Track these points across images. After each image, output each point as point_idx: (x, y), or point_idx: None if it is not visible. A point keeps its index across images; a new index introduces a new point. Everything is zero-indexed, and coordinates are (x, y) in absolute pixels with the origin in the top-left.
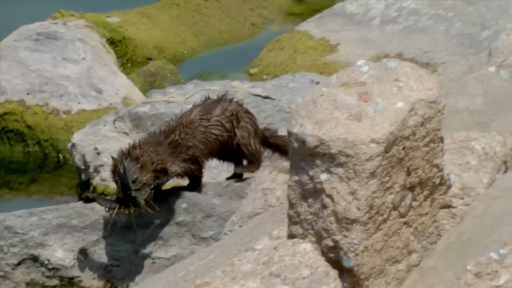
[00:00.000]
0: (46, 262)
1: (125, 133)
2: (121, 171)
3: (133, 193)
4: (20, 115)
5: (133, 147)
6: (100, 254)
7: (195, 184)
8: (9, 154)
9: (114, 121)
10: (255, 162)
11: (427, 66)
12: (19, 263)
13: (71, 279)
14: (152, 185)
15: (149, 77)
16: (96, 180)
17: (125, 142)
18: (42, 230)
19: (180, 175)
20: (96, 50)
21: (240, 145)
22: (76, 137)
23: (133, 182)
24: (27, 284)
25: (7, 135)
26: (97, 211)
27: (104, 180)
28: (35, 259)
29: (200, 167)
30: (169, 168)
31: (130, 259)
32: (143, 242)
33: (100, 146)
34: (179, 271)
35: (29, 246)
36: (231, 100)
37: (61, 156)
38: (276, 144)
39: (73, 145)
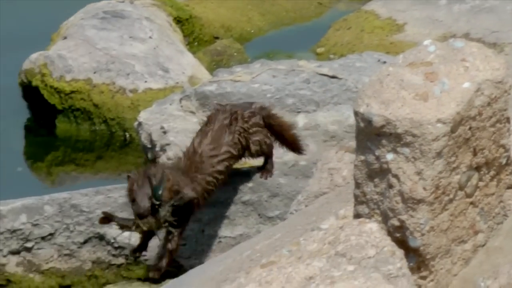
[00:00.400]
0: (112, 240)
1: (192, 112)
2: (149, 184)
3: (161, 208)
4: (87, 94)
5: (151, 168)
6: None
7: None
8: (76, 133)
9: (181, 100)
10: (269, 164)
11: (494, 46)
12: (85, 242)
13: (137, 257)
14: (171, 204)
15: (216, 56)
16: (162, 159)
17: (191, 121)
18: (108, 208)
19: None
20: (162, 28)
21: (255, 155)
22: (143, 116)
23: (157, 197)
24: (93, 262)
25: (73, 114)
26: None
27: (171, 159)
28: (101, 237)
29: (214, 191)
30: (183, 191)
31: (196, 238)
32: (210, 221)
33: (166, 125)
34: (245, 250)
35: (95, 224)
36: (236, 116)
37: (127, 134)
38: (269, 125)
39: (140, 123)
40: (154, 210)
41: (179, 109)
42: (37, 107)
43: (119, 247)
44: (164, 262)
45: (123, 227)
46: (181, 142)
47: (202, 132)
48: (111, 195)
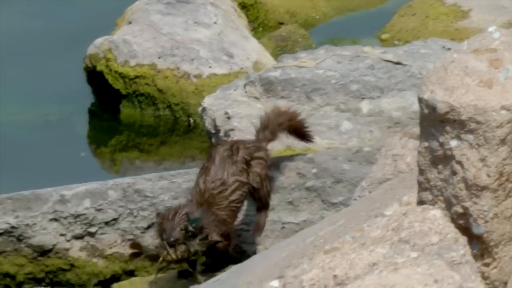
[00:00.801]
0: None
1: (256, 98)
2: (186, 217)
3: (192, 239)
4: (151, 79)
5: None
6: None
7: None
8: (140, 118)
9: (245, 85)
10: (264, 207)
11: None
12: (149, 227)
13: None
14: (201, 239)
15: (281, 41)
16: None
17: (255, 107)
18: (172, 193)
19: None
20: (227, 14)
21: (253, 192)
22: (207, 101)
23: (193, 227)
24: (156, 247)
25: (138, 99)
26: None
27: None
28: None
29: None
30: (210, 235)
31: None
32: (273, 206)
33: (230, 110)
34: (308, 236)
35: (159, 209)
36: (237, 146)
37: (191, 120)
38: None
39: (204, 109)
40: (184, 242)
41: (243, 95)
42: (101, 92)
43: None
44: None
45: (153, 258)
46: (245, 127)
47: (204, 170)
48: (175, 180)
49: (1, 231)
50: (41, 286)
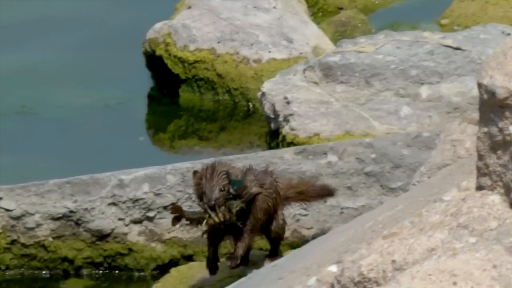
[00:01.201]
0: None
1: (315, 83)
2: (227, 177)
3: (234, 201)
4: (210, 64)
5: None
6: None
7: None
8: (199, 103)
9: (304, 70)
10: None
11: None
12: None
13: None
14: (243, 200)
15: (340, 26)
16: (285, 130)
17: (315, 92)
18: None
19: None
20: None
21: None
22: (266, 86)
23: (236, 189)
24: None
25: (197, 83)
26: (286, 160)
27: (294, 129)
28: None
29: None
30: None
31: (318, 209)
32: None
33: (290, 95)
34: (366, 222)
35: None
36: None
37: (250, 105)
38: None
39: (263, 94)
40: (224, 203)
41: (302, 80)
42: (160, 76)
43: None
44: (240, 250)
45: (193, 221)
46: (304, 112)
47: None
48: (234, 165)
49: (60, 215)
50: (99, 270)
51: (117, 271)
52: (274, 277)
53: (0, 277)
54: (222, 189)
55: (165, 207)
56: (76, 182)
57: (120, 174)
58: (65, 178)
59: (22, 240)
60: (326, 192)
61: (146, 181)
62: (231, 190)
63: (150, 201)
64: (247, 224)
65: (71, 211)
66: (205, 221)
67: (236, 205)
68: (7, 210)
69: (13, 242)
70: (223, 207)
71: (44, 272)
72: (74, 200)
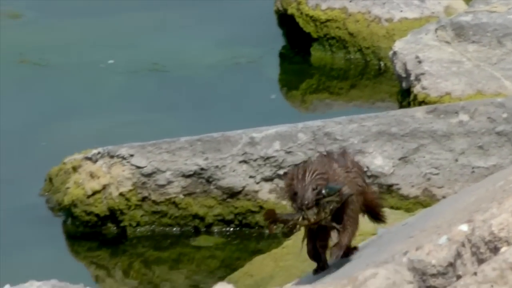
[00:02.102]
0: (365, 169)
1: (447, 42)
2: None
3: (327, 199)
4: (342, 22)
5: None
6: (419, 162)
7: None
8: (331, 61)
9: (436, 30)
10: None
11: None
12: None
13: (389, 186)
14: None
15: None
16: (416, 89)
17: (446, 51)
18: (361, 137)
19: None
20: None
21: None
22: (398, 45)
23: (330, 189)
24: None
25: (328, 42)
26: (417, 119)
27: (425, 88)
28: None
29: None
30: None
31: (449, 168)
32: (463, 151)
33: (421, 54)
34: (498, 181)
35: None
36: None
37: (382, 63)
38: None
39: (395, 53)
40: (317, 202)
41: (434, 39)
42: (292, 35)
43: (372, 175)
44: (345, 239)
45: (288, 223)
46: (436, 71)
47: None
48: (365, 123)
49: (191, 172)
50: (230, 227)
51: (247, 229)
52: (405, 236)
53: (131, 234)
54: (315, 188)
55: (296, 165)
56: (207, 140)
57: (251, 132)
58: (196, 136)
59: (153, 197)
60: (377, 214)
61: (277, 139)
62: (324, 192)
63: (281, 159)
64: (346, 220)
65: (202, 169)
66: (299, 221)
67: (330, 204)
68: (138, 167)
69: (144, 199)
70: (316, 208)
71: (174, 229)
72: (205, 157)
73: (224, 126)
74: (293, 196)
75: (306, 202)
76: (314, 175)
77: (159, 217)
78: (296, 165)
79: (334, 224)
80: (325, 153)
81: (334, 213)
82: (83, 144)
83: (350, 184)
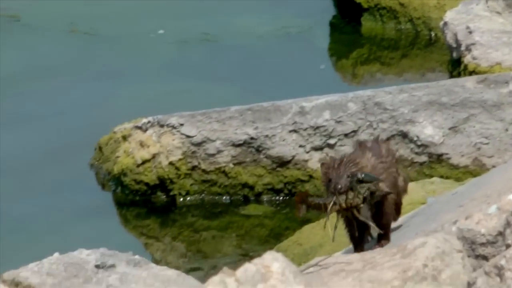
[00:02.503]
0: (415, 138)
1: (498, 13)
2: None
3: (361, 186)
4: None
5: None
6: (469, 131)
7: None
8: (381, 31)
9: (487, 0)
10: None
11: None
12: (388, 139)
13: (439, 156)
14: (370, 189)
15: None
16: (467, 59)
17: (497, 22)
18: (412, 107)
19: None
20: None
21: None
22: (449, 16)
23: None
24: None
25: (379, 12)
26: (467, 89)
27: (476, 58)
28: (404, 135)
29: None
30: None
31: (499, 137)
32: None
33: (472, 25)
34: None
35: (399, 122)
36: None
37: (432, 34)
38: None
39: (445, 23)
40: (351, 188)
41: (485, 9)
42: (342, 5)
43: (422, 145)
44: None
45: (319, 207)
46: (486, 42)
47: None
48: (415, 93)
49: (241, 142)
50: (279, 196)
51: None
52: (454, 205)
53: (180, 203)
54: (349, 175)
55: (345, 135)
56: (257, 109)
57: (301, 101)
58: (246, 105)
59: (203, 166)
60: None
61: (327, 109)
62: (359, 176)
63: (331, 129)
64: (382, 220)
65: (252, 138)
66: (330, 206)
67: (364, 191)
68: (188, 136)
69: (193, 168)
70: (350, 193)
71: (224, 198)
72: (255, 127)
73: (274, 95)
74: (328, 183)
75: (339, 187)
76: (349, 163)
77: (208, 186)
78: (331, 156)
79: (366, 218)
80: (359, 142)
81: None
82: (133, 113)
83: (386, 176)
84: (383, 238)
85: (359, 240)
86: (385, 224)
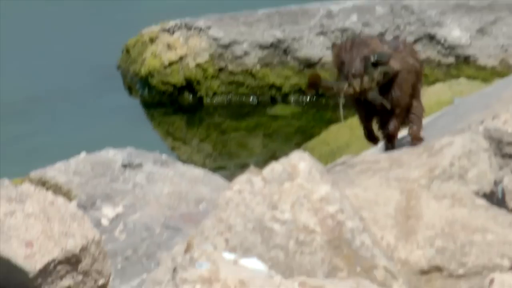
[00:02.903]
0: (443, 40)
1: None
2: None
3: (375, 69)
4: None
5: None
6: (497, 34)
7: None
8: None
9: None
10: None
11: None
12: (415, 41)
13: (466, 57)
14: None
15: None
16: None
17: None
18: (439, 9)
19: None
20: None
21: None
22: None
23: (380, 57)
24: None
25: None
26: None
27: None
28: (431, 37)
29: None
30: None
31: None
32: None
33: None
34: None
35: (426, 25)
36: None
37: None
38: None
39: None
40: (365, 71)
41: None
42: None
43: (449, 47)
44: (392, 126)
45: (331, 90)
46: None
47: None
48: None
49: (268, 44)
50: (306, 97)
51: (324, 98)
52: (481, 105)
53: (207, 103)
54: (363, 59)
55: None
56: (285, 12)
57: (329, 4)
58: (274, 8)
59: (230, 67)
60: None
61: (354, 12)
62: (373, 59)
63: (358, 31)
64: (393, 99)
65: (279, 40)
66: (344, 89)
67: (378, 74)
68: (216, 38)
69: (221, 69)
70: (363, 77)
71: (251, 98)
72: (282, 29)
73: None
74: (340, 66)
75: (353, 70)
76: (361, 45)
77: (236, 87)
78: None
79: (380, 99)
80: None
81: (382, 91)
82: (161, 16)
83: (399, 60)
84: (415, 138)
85: (372, 136)
86: (397, 103)
